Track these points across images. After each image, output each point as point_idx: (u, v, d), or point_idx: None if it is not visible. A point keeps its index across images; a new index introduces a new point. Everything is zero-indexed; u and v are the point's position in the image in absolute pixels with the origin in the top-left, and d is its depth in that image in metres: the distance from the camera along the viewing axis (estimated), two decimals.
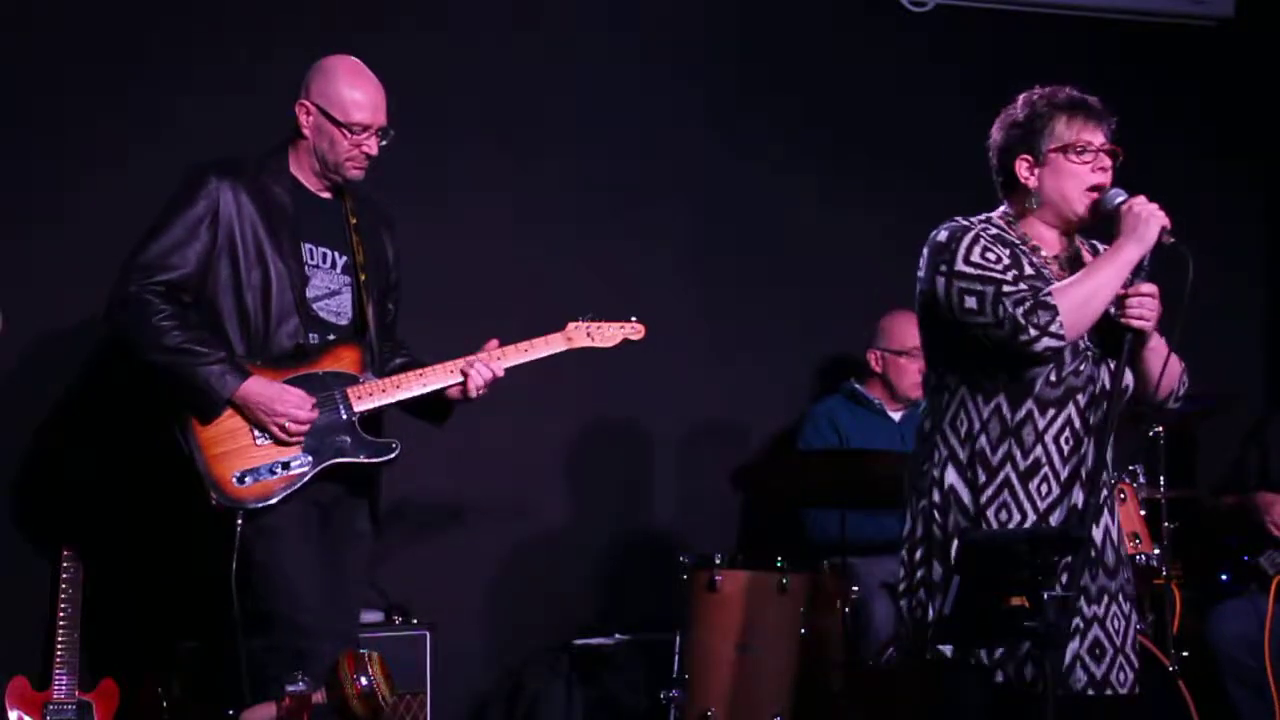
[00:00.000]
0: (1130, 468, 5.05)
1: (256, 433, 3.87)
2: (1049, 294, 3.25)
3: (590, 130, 5.61)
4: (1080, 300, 3.26)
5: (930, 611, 3.31)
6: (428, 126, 5.18)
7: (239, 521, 3.81)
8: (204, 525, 3.88)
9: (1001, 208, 3.46)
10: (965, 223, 3.39)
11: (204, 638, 4.57)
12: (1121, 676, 3.34)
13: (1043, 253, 3.39)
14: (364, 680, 3.29)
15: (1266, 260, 6.44)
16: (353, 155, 4.01)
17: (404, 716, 4.76)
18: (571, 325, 4.23)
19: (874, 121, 5.89)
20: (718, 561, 4.81)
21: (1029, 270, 3.32)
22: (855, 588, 4.85)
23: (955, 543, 3.29)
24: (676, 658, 4.79)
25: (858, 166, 5.88)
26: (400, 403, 4.07)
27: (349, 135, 3.99)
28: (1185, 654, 4.97)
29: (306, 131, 4.03)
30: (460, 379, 4.06)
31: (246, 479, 3.84)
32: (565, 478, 5.57)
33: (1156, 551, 4.91)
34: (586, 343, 4.24)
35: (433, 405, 4.12)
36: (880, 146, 5.87)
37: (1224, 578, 5.36)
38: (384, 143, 4.05)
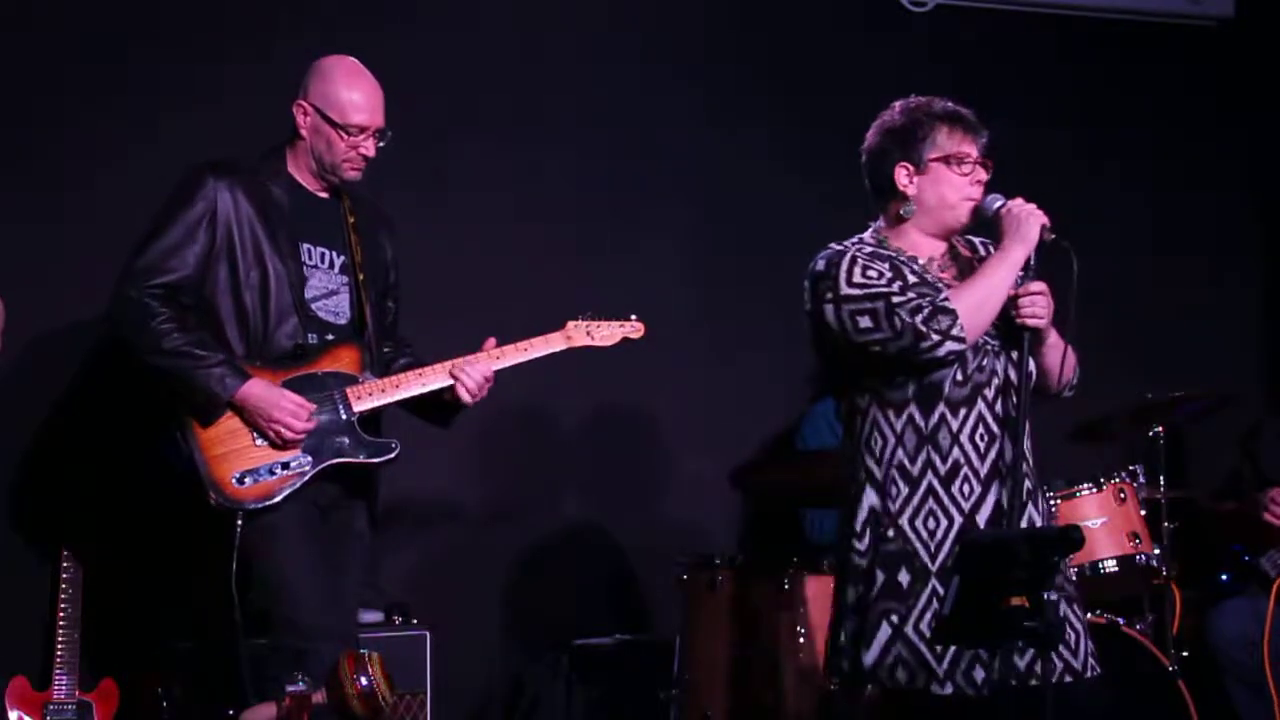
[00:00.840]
0: (1130, 468, 5.05)
1: (256, 433, 3.87)
2: (946, 299, 3.32)
3: (590, 130, 5.61)
4: (976, 303, 3.33)
5: (841, 636, 3.38)
6: (428, 126, 5.18)
7: (239, 522, 3.81)
8: (204, 526, 3.88)
9: (872, 226, 3.53)
10: (840, 247, 3.47)
11: (204, 638, 4.57)
12: (1066, 677, 3.33)
13: (921, 260, 3.45)
14: (364, 680, 3.29)
15: (1265, 260, 6.44)
16: (350, 157, 4.01)
17: (404, 716, 4.75)
18: (571, 324, 4.22)
19: (874, 121, 5.87)
20: (718, 561, 4.81)
21: (912, 279, 3.39)
22: None
23: (872, 564, 3.33)
24: (676, 658, 4.79)
25: (858, 166, 5.85)
26: (405, 406, 4.07)
27: (346, 137, 3.99)
28: (1185, 654, 4.98)
29: (304, 132, 4.02)
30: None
31: (246, 480, 3.84)
32: (565, 478, 5.58)
33: (1156, 551, 4.91)
34: (586, 341, 4.24)
35: (437, 407, 4.12)
36: None
37: (1224, 578, 5.37)
38: (382, 144, 4.04)
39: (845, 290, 3.37)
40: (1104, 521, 4.80)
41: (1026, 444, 3.42)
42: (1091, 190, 5.94)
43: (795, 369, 5.76)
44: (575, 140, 5.60)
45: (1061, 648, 3.34)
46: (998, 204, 3.41)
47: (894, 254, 3.43)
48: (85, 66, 5.01)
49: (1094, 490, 4.84)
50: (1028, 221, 3.36)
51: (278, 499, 3.85)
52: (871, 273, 3.37)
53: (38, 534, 4.82)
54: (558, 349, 4.19)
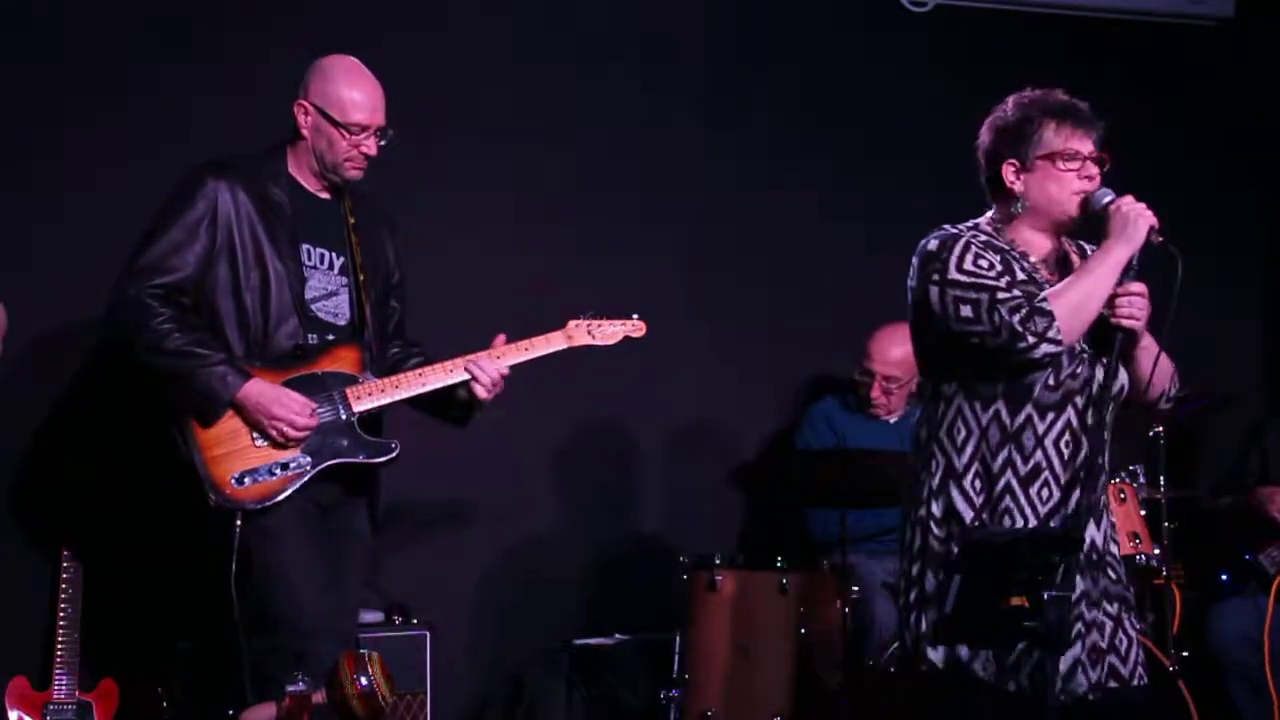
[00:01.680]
0: (1130, 468, 5.05)
1: (256, 434, 3.87)
2: (1044, 299, 3.26)
3: (590, 130, 5.61)
4: (1075, 304, 3.26)
5: (924, 623, 3.31)
6: (428, 126, 5.18)
7: (238, 522, 3.81)
8: (203, 526, 3.87)
9: (989, 214, 3.46)
10: (955, 230, 3.39)
11: (204, 638, 4.57)
12: (1099, 675, 3.32)
13: (1032, 258, 3.39)
14: (364, 680, 3.29)
15: (1266, 260, 6.44)
16: (351, 155, 4.01)
17: (404, 716, 4.76)
18: (572, 323, 4.22)
19: (874, 121, 5.89)
20: (718, 561, 4.81)
21: (1020, 275, 3.33)
22: (855, 588, 4.85)
23: (954, 553, 3.28)
24: (676, 658, 4.79)
25: (857, 166, 5.88)
26: (422, 407, 4.07)
27: (347, 135, 3.98)
28: (1185, 654, 4.98)
29: (305, 132, 4.02)
30: (462, 378, 4.05)
31: (245, 480, 3.84)
32: (565, 477, 5.57)
33: (1156, 551, 4.91)
34: (587, 340, 4.23)
35: (449, 406, 4.12)
36: (880, 146, 5.87)
37: (1224, 578, 5.36)
38: (383, 143, 4.04)
39: (953, 275, 3.29)
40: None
41: (1108, 455, 3.38)
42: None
43: (795, 369, 5.78)
44: (575, 140, 5.60)
45: (1111, 655, 3.32)
46: (1107, 199, 3.33)
47: (1007, 247, 3.37)
48: (85, 66, 5.01)
49: None
50: (1135, 221, 3.28)
51: (277, 500, 3.85)
52: (983, 262, 3.30)
53: (38, 534, 4.82)
54: (559, 348, 4.19)
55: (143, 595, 4.82)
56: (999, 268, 3.30)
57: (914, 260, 3.39)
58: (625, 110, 5.66)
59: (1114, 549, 3.45)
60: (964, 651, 3.26)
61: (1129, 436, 5.24)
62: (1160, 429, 5.10)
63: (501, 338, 4.11)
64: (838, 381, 5.54)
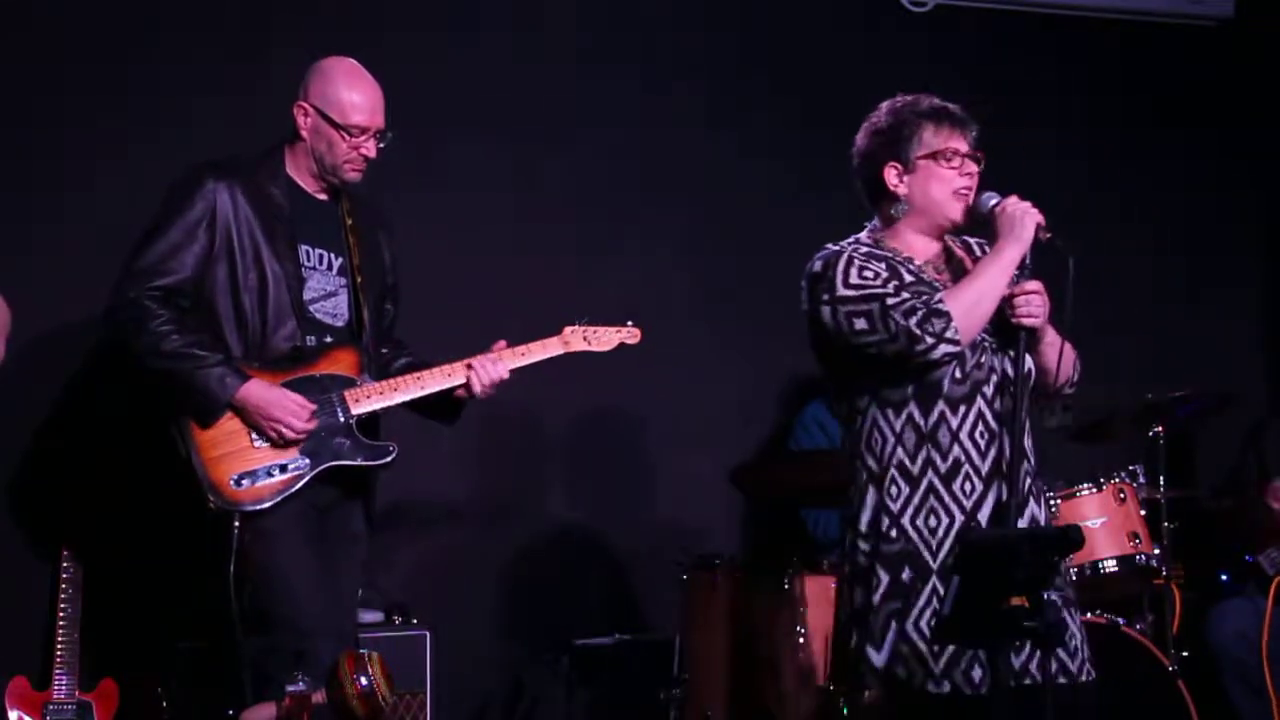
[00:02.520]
0: (1130, 468, 5.05)
1: (254, 435, 3.87)
2: (940, 300, 3.30)
3: (590, 130, 5.61)
4: (970, 303, 3.31)
5: (854, 639, 3.35)
6: (428, 126, 5.18)
7: (236, 524, 3.81)
8: (202, 527, 3.87)
9: (868, 226, 3.51)
10: (836, 248, 3.45)
11: (204, 638, 4.57)
12: (1060, 679, 3.32)
13: (917, 261, 3.44)
14: (364, 680, 3.29)
15: (1266, 260, 6.44)
16: (350, 158, 4.01)
17: (404, 716, 4.75)
18: (568, 329, 4.23)
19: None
20: (718, 561, 4.81)
21: (909, 279, 3.37)
22: None
23: (873, 564, 3.32)
24: (676, 658, 4.79)
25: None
26: (409, 405, 4.07)
27: (347, 137, 3.99)
28: (1185, 654, 4.98)
29: (304, 133, 4.02)
30: (461, 380, 4.05)
31: (244, 481, 3.84)
32: (565, 478, 5.58)
33: (1156, 551, 4.91)
34: (583, 346, 4.24)
35: (442, 405, 4.12)
36: None
37: (1224, 578, 5.37)
38: (382, 145, 4.04)
39: (841, 291, 3.36)
40: (1104, 521, 4.80)
41: (1027, 442, 3.40)
42: (1091, 190, 5.94)
43: (794, 369, 5.78)
44: (575, 140, 5.60)
45: (1060, 650, 3.34)
46: (993, 202, 3.39)
47: (890, 254, 3.42)
48: (85, 66, 5.01)
49: (1094, 490, 4.84)
50: (1022, 220, 3.34)
51: (275, 501, 3.85)
52: (868, 273, 3.36)
53: (38, 534, 4.82)
54: (555, 354, 4.20)
55: (143, 595, 4.82)
56: (884, 274, 3.36)
57: (802, 284, 3.47)
58: (625, 110, 5.66)
59: None
60: (880, 660, 3.30)
61: (1129, 437, 5.28)
62: (1160, 429, 5.10)
63: (503, 343, 4.12)
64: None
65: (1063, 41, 6.13)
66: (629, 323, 4.31)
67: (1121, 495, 4.88)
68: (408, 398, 4.02)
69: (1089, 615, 4.58)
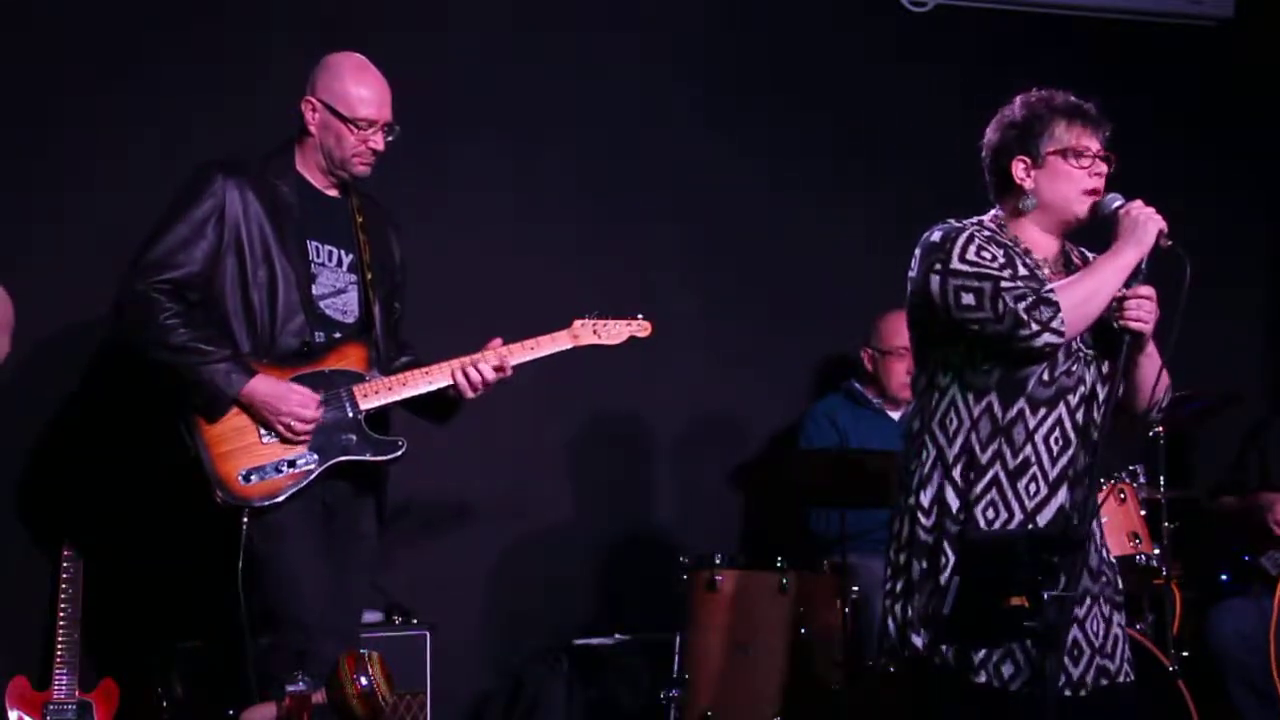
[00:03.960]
0: (1130, 468, 5.05)
1: (262, 431, 3.87)
2: (1051, 290, 3.27)
3: (590, 131, 5.61)
4: (1081, 298, 3.28)
5: (908, 610, 3.33)
6: (428, 126, 5.18)
7: (244, 520, 3.80)
8: (209, 524, 3.87)
9: (992, 212, 3.47)
10: (959, 224, 3.40)
11: (204, 638, 4.57)
12: (1102, 681, 3.34)
13: (1034, 255, 3.40)
14: (364, 680, 3.30)
15: (1266, 260, 6.44)
16: (359, 151, 4.01)
17: (404, 716, 4.76)
18: (578, 323, 4.22)
19: (874, 121, 5.89)
20: (718, 561, 4.81)
21: (1023, 271, 3.34)
22: (855, 588, 4.85)
23: (940, 542, 3.31)
24: (676, 658, 4.79)
25: (857, 166, 5.88)
26: (403, 402, 4.07)
27: (355, 131, 3.99)
28: (1185, 654, 4.98)
29: (313, 128, 4.02)
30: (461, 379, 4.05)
31: (252, 477, 3.84)
32: (565, 477, 5.58)
33: (1156, 551, 4.91)
34: (593, 340, 4.23)
35: (435, 404, 4.12)
36: (880, 146, 5.87)
37: (1224, 578, 5.37)
38: (390, 138, 4.05)
39: (956, 264, 3.31)
40: (1104, 521, 4.79)
41: (1100, 457, 3.37)
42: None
43: (795, 369, 5.78)
44: (575, 140, 5.60)
45: (1099, 655, 3.33)
46: (1116, 203, 3.36)
47: (1010, 243, 3.39)
48: (85, 66, 5.01)
49: None
50: (1145, 225, 3.31)
51: (283, 497, 3.85)
52: (986, 254, 3.32)
53: (38, 534, 4.82)
54: (564, 348, 4.19)
55: (143, 595, 4.82)
56: (1001, 260, 3.32)
57: (916, 252, 3.41)
58: (625, 110, 5.66)
59: (1105, 552, 3.45)
60: (934, 640, 3.28)
61: (1128, 438, 5.27)
62: (1160, 429, 5.10)
63: (497, 340, 4.12)
64: (839, 380, 5.54)
65: (1063, 41, 6.13)
66: (639, 316, 4.30)
67: (1121, 495, 4.88)
68: (416, 392, 4.02)
69: None
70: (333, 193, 4.09)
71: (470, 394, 4.06)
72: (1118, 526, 4.85)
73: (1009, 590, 3.03)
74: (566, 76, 5.61)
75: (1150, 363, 3.40)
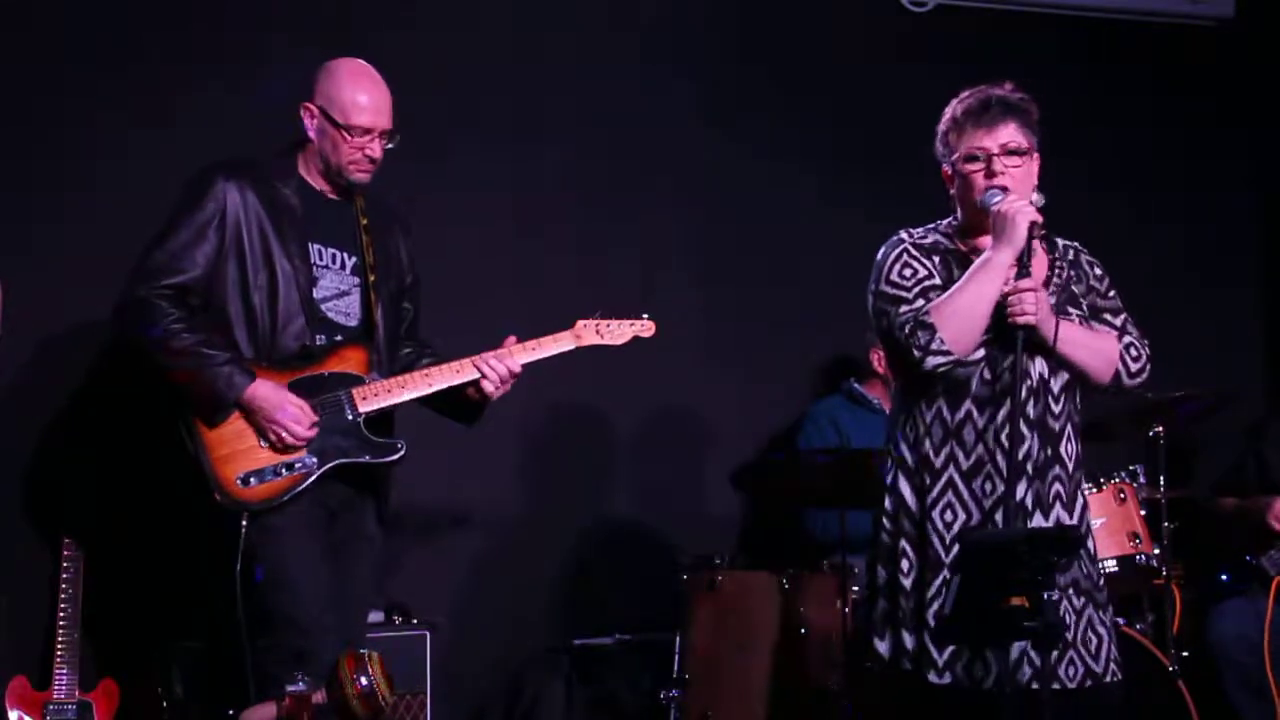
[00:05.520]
0: (1130, 468, 5.04)
1: (261, 434, 3.87)
2: (926, 312, 3.31)
3: (590, 130, 5.61)
4: (956, 313, 3.31)
5: (873, 613, 3.42)
6: (428, 126, 5.18)
7: (243, 523, 3.81)
8: (208, 526, 3.87)
9: (953, 215, 3.52)
10: (901, 235, 3.47)
11: (204, 638, 4.57)
12: (1071, 671, 3.34)
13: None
14: (364, 680, 3.30)
15: (1265, 261, 6.44)
16: (355, 158, 4.00)
17: (404, 716, 4.76)
18: (581, 323, 4.21)
19: (874, 121, 5.89)
20: (718, 561, 4.81)
21: (958, 276, 3.36)
22: (855, 588, 4.85)
23: (900, 546, 3.38)
24: (676, 658, 4.79)
25: (857, 166, 5.88)
26: (431, 406, 4.06)
27: (349, 138, 3.97)
28: (1185, 654, 4.98)
29: (311, 134, 4.01)
30: (470, 377, 4.04)
31: (251, 480, 3.84)
32: (565, 478, 5.57)
33: (1156, 551, 4.91)
34: (596, 340, 4.22)
35: (460, 406, 4.11)
36: (880, 146, 5.86)
37: (1224, 578, 5.37)
38: (389, 145, 4.04)
39: (881, 286, 3.41)
40: (1104, 521, 4.80)
41: (1066, 446, 3.40)
42: (1091, 190, 5.93)
43: (795, 369, 5.78)
44: (575, 140, 5.60)
45: (1084, 651, 3.34)
46: (994, 200, 3.36)
47: (954, 248, 3.43)
48: (85, 66, 5.01)
49: (1094, 490, 4.84)
50: (1013, 220, 3.30)
51: (282, 500, 3.85)
52: (908, 271, 3.37)
53: (39, 534, 4.82)
54: (568, 348, 4.17)
55: (144, 595, 4.82)
56: (923, 274, 3.36)
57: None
58: (625, 110, 5.66)
59: (1089, 544, 3.45)
60: (895, 644, 3.35)
61: (1129, 437, 5.28)
62: (1160, 429, 5.10)
63: (512, 339, 4.11)
64: (839, 380, 5.54)
65: (1063, 41, 6.13)
66: (644, 316, 4.29)
67: (1121, 495, 4.88)
68: (415, 395, 4.02)
69: None
70: (336, 196, 4.08)
71: (493, 390, 4.05)
72: (1118, 526, 4.85)
73: (1008, 590, 3.03)
74: (566, 76, 5.61)
75: (1072, 346, 3.38)
